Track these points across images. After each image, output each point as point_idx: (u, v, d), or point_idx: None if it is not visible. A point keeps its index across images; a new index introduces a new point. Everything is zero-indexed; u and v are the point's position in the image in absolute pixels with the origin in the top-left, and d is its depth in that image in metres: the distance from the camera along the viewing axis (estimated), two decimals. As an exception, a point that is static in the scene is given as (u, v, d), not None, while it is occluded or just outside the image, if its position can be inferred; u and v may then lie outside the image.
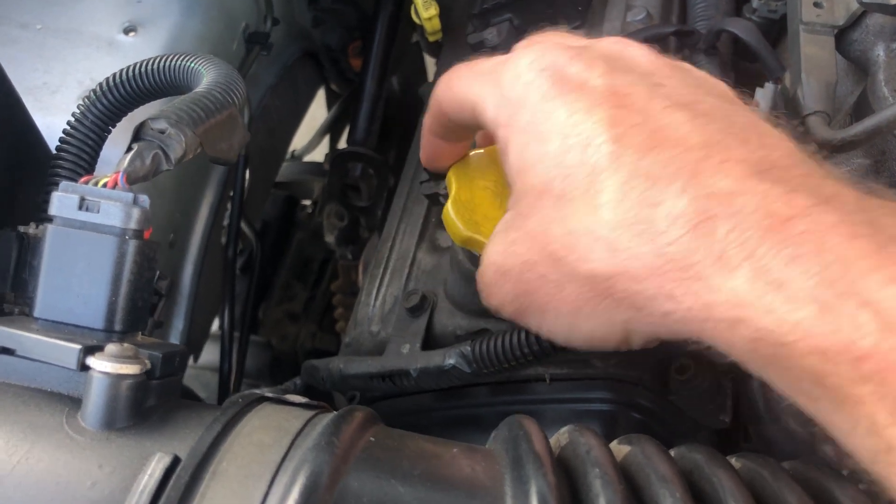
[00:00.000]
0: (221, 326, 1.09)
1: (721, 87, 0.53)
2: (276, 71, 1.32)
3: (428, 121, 0.62)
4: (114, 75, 0.58)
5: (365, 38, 1.42)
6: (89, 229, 0.45)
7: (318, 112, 1.69)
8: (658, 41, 0.93)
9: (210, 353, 1.25)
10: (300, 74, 1.45)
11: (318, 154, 1.73)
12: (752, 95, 0.87)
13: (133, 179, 0.45)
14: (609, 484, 0.37)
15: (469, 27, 1.01)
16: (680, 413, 0.77)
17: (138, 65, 0.57)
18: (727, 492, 0.38)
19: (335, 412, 0.43)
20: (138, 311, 0.47)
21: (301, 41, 1.40)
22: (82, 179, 0.46)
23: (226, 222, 1.17)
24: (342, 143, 1.53)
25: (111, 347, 0.40)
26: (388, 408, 0.87)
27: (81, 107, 0.58)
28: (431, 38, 1.05)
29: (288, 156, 1.71)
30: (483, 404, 0.81)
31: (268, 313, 1.57)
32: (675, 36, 0.92)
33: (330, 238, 1.37)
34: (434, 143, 0.64)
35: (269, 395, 0.44)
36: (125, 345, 0.41)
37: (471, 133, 0.64)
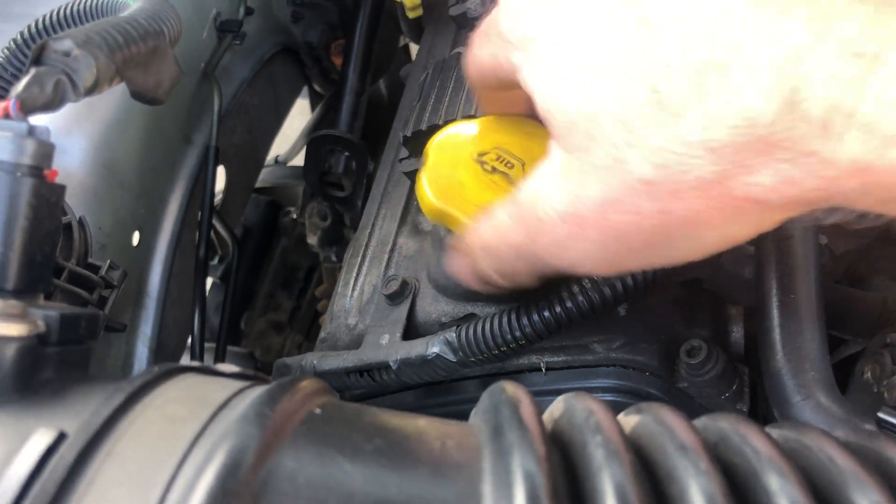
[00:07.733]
0: (192, 334, 1.01)
1: None
2: (252, 65, 1.26)
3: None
4: (42, 18, 0.51)
5: (347, 35, 1.36)
6: (-26, 164, 0.36)
7: (302, 119, 1.62)
8: None
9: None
10: (279, 72, 1.39)
11: (302, 159, 1.66)
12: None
13: (30, 108, 0.37)
14: (614, 454, 0.29)
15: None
16: (691, 402, 0.69)
17: (66, 6, 0.50)
18: (765, 462, 0.29)
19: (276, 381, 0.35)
20: (37, 269, 0.38)
21: (278, 35, 1.34)
22: (-34, 108, 0.38)
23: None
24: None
25: (-8, 302, 0.32)
26: (369, 408, 0.78)
27: (6, 51, 0.51)
28: (412, 15, 0.99)
29: (272, 161, 1.65)
30: (473, 399, 0.73)
31: (251, 323, 1.49)
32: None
33: (312, 239, 1.29)
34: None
35: (195, 365, 0.36)
36: (11, 301, 0.33)
37: None
